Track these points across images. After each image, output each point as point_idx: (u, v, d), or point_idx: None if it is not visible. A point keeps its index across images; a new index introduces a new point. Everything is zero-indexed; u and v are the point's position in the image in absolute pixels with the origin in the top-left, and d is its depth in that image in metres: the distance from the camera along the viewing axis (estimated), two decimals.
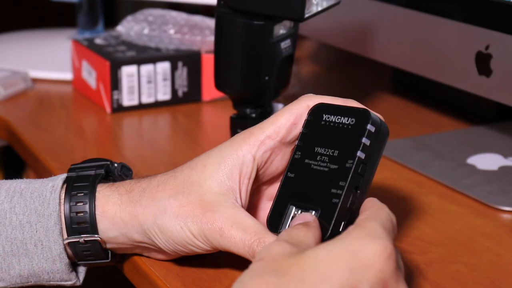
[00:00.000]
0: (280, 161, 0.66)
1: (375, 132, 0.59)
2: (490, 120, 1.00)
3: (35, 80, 1.15)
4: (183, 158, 0.68)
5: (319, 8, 0.83)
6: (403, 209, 0.78)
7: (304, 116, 0.63)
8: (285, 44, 0.86)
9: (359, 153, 0.59)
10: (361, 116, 0.60)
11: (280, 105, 0.91)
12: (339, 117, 0.61)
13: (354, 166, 0.59)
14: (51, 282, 0.67)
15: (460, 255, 0.70)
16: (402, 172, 0.86)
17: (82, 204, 0.65)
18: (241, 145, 0.64)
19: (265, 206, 0.68)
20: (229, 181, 0.63)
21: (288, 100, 1.00)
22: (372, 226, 0.55)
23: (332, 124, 0.61)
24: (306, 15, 0.80)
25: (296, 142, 0.63)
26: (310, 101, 0.64)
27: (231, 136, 0.89)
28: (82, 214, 0.65)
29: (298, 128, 0.64)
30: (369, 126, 0.59)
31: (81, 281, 0.68)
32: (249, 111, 0.87)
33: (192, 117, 1.04)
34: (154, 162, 0.90)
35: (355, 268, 0.53)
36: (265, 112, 0.88)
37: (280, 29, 0.85)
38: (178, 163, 0.67)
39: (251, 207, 0.68)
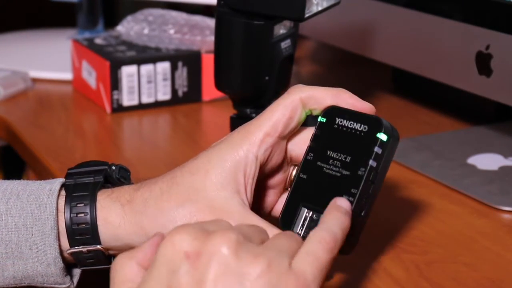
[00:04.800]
0: (279, 155, 0.65)
1: (387, 141, 0.60)
2: (490, 120, 1.00)
3: (35, 80, 1.14)
4: (183, 158, 0.68)
5: (319, 8, 0.83)
6: (403, 209, 0.78)
7: (299, 109, 0.64)
8: (285, 44, 0.85)
9: (371, 162, 0.60)
10: (374, 124, 0.61)
11: None
12: (352, 122, 0.62)
13: (366, 174, 0.60)
14: (45, 285, 0.67)
15: (460, 255, 0.70)
16: (402, 172, 0.86)
17: (83, 215, 0.65)
18: (241, 145, 0.64)
19: (267, 194, 0.68)
20: (235, 183, 0.63)
21: None
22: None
23: (344, 129, 0.62)
24: (306, 15, 0.80)
25: (309, 142, 0.64)
26: (302, 93, 0.64)
27: None
28: (83, 225, 0.65)
29: (294, 122, 0.64)
30: (381, 135, 0.60)
31: (75, 284, 0.68)
32: (249, 111, 0.87)
33: (192, 117, 1.04)
34: (154, 162, 0.90)
35: None
36: None
37: (280, 29, 0.85)
38: (178, 163, 0.67)
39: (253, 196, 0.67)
